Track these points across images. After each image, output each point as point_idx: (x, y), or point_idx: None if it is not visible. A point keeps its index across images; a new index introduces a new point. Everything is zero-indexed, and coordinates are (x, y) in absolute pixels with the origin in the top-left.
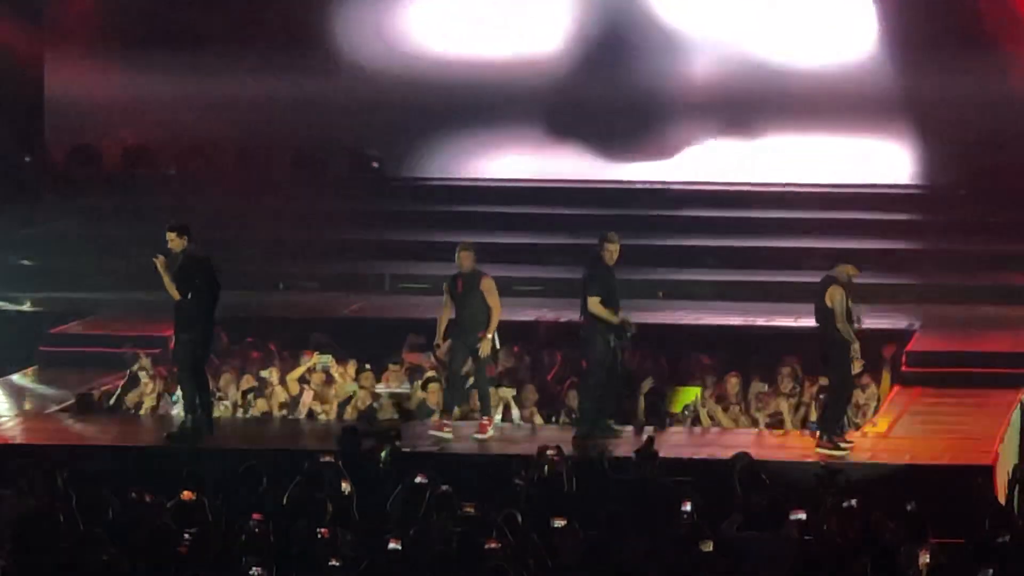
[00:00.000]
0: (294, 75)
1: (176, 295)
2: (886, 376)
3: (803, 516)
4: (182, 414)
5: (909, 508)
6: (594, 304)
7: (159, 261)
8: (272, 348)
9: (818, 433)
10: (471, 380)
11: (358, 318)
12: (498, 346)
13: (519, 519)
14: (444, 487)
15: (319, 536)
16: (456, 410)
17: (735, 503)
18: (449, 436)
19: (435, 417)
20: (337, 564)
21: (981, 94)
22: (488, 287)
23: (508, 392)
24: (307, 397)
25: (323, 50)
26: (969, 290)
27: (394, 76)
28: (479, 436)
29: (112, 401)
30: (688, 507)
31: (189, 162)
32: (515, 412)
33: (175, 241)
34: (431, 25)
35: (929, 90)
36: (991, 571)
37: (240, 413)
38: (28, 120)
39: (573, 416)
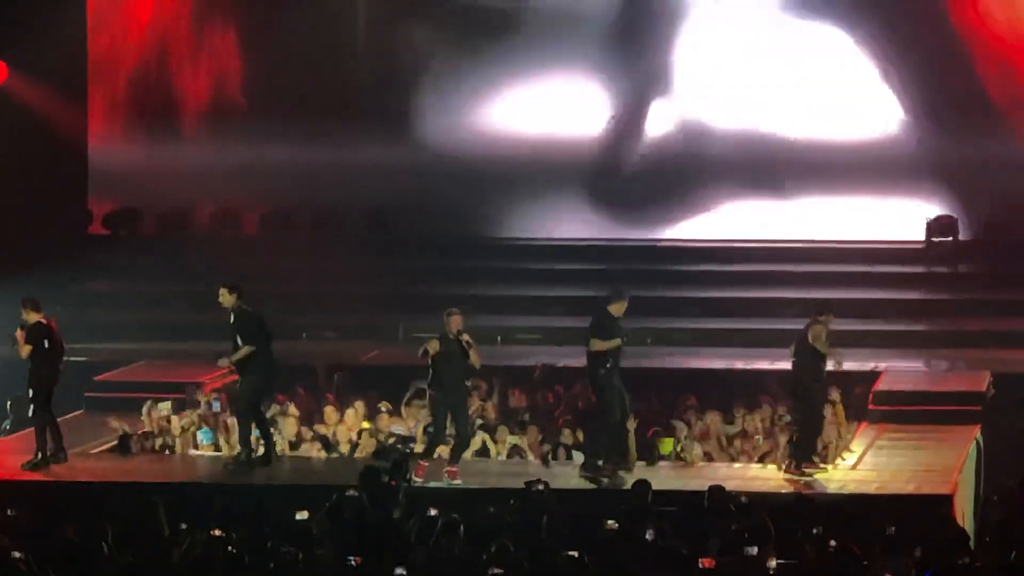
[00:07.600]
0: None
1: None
2: (840, 411)
3: (755, 551)
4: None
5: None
6: (593, 343)
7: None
8: (329, 398)
9: (787, 461)
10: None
11: (374, 366)
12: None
13: (511, 548)
14: (452, 516)
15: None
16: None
17: (716, 529)
18: (458, 483)
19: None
20: None
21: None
22: (474, 344)
23: (515, 439)
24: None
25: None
26: (930, 335)
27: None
28: (453, 483)
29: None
30: (650, 535)
31: (219, 225)
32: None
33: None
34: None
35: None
36: None
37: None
38: (73, 187)
39: (584, 451)
